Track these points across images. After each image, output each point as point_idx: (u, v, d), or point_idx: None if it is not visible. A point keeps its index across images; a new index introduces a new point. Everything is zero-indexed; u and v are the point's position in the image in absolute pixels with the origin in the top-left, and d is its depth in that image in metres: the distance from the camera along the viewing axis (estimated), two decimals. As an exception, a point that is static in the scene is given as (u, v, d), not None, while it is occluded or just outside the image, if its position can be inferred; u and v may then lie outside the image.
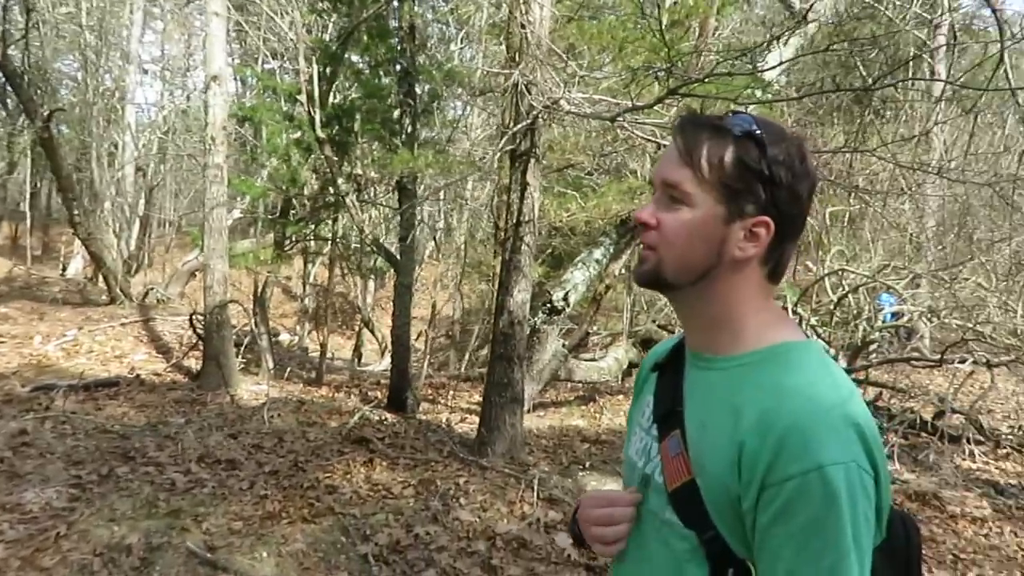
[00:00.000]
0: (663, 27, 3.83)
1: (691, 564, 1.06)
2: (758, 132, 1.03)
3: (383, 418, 6.84)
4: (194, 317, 8.99)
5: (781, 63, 4.57)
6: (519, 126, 5.17)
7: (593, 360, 9.13)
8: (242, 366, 8.28)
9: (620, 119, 4.60)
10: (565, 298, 7.23)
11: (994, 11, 4.05)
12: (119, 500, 4.21)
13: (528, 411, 7.07)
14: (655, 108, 4.70)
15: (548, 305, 7.24)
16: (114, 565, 3.53)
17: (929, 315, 8.84)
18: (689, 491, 1.05)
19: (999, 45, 4.15)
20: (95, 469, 4.67)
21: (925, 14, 9.02)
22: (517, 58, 5.14)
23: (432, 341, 13.96)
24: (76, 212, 11.18)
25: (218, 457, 5.15)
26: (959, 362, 7.53)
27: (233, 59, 19.06)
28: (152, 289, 13.39)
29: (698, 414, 1.09)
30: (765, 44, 3.28)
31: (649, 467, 1.15)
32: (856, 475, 0.94)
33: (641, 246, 1.12)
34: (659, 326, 10.10)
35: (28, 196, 19.93)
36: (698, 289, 1.09)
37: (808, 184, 1.05)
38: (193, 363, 8.59)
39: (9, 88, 10.56)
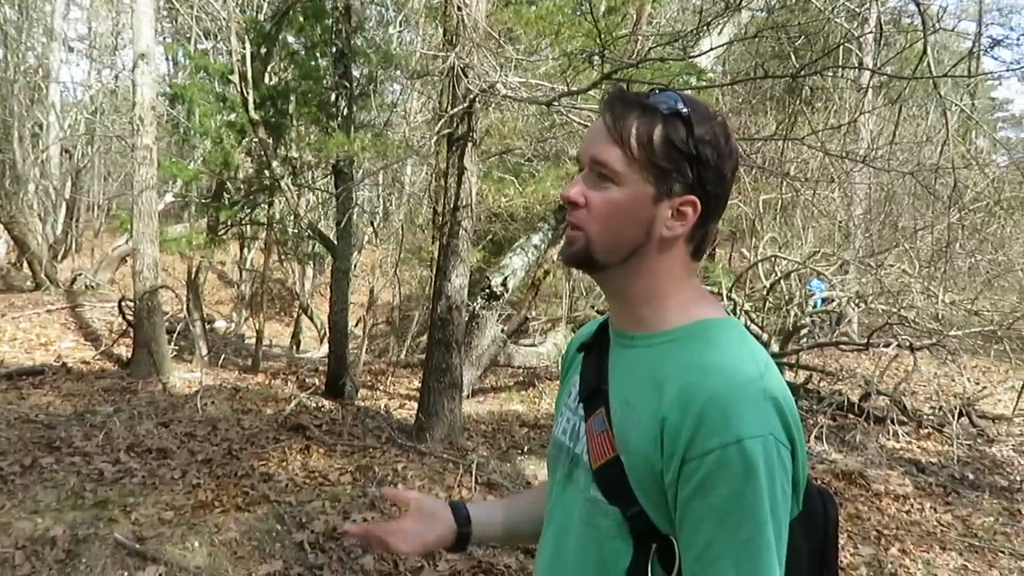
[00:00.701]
0: (598, 13, 3.86)
1: (616, 540, 1.06)
2: (685, 111, 1.02)
3: (320, 405, 6.77)
4: (123, 303, 8.74)
5: (712, 48, 4.65)
6: (456, 110, 5.15)
7: (533, 345, 9.18)
8: (175, 353, 8.09)
9: (556, 104, 4.62)
10: (504, 283, 7.24)
11: (917, 3, 4.18)
12: (43, 492, 4.08)
13: (467, 396, 7.08)
14: (591, 93, 4.73)
15: (487, 290, 7.24)
16: (37, 558, 3.42)
17: (857, 300, 9.12)
18: (613, 468, 1.05)
19: (925, 37, 4.29)
20: (17, 460, 4.51)
21: (854, 7, 9.25)
22: (454, 41, 5.11)
23: (372, 327, 13.84)
24: (-3, 195, 10.75)
25: (148, 446, 5.03)
26: (884, 346, 7.79)
27: (164, 38, 18.49)
28: (80, 275, 12.95)
29: (622, 391, 1.09)
30: (695, 30, 3.33)
31: (578, 447, 1.15)
32: (773, 448, 0.94)
33: (568, 226, 1.11)
34: (598, 312, 10.19)
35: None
36: (625, 268, 1.08)
37: (732, 164, 1.06)
38: (123, 351, 8.36)
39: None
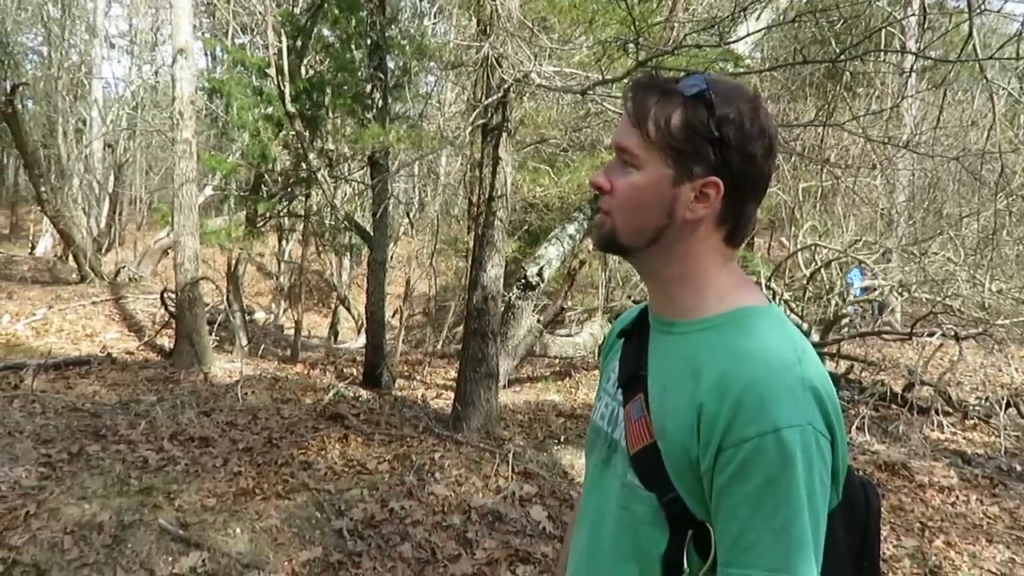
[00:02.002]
0: (632, 0, 3.82)
1: (651, 527, 1.07)
2: (707, 92, 1.02)
3: (358, 394, 6.83)
4: (165, 295, 8.90)
5: (748, 34, 4.57)
6: (490, 100, 5.14)
7: (569, 335, 9.16)
8: (216, 344, 8.23)
9: (590, 92, 4.58)
10: (539, 273, 7.23)
11: (962, -16, 4.07)
12: (90, 478, 4.18)
13: (504, 386, 7.09)
14: (625, 81, 4.69)
15: (523, 281, 7.24)
16: (85, 543, 3.51)
17: (900, 289, 8.95)
18: (650, 454, 1.06)
19: (970, 19, 4.17)
20: (65, 447, 4.63)
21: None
22: (487, 31, 5.10)
23: (409, 318, 13.93)
24: (43, 189, 11.00)
25: (191, 434, 5.12)
26: (928, 335, 7.64)
27: (203, 33, 18.73)
28: (124, 267, 13.24)
29: (660, 378, 1.09)
30: (731, 16, 3.28)
31: (616, 432, 1.16)
32: (812, 437, 0.95)
33: (598, 211, 1.14)
34: (634, 301, 10.13)
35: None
36: (653, 252, 1.09)
37: (762, 144, 1.04)
38: (166, 341, 8.52)
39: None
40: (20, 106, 11.52)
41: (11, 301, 9.86)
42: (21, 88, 12.12)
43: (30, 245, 17.24)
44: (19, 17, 14.23)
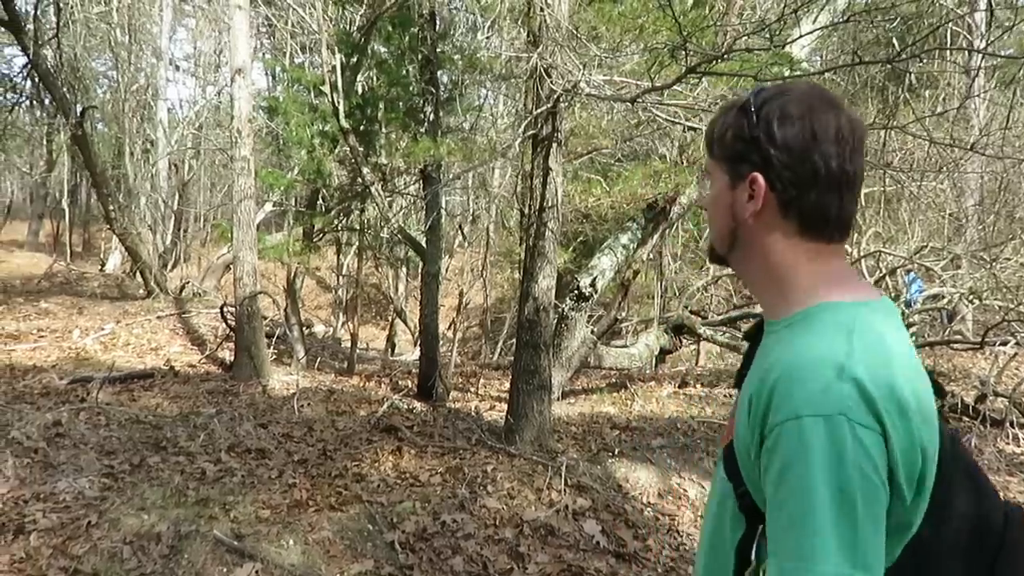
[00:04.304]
0: (684, 6, 3.76)
1: (733, 518, 1.12)
2: (749, 99, 1.11)
3: (412, 407, 6.86)
4: (225, 309, 9.09)
5: (801, 36, 4.46)
6: (540, 110, 5.12)
7: (624, 346, 9.06)
8: (274, 357, 8.37)
9: (641, 100, 4.53)
10: (592, 284, 7.17)
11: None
12: (150, 489, 4.26)
13: (557, 398, 7.04)
14: (677, 89, 4.62)
15: (576, 291, 7.19)
16: (143, 553, 3.58)
17: (970, 296, 8.63)
18: (730, 448, 1.12)
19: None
20: (127, 459, 4.74)
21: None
22: (537, 42, 5.09)
23: (465, 330, 13.98)
24: (111, 208, 11.38)
25: (248, 447, 5.20)
26: (1001, 344, 7.34)
27: (263, 54, 19.21)
28: (188, 283, 13.59)
29: (749, 377, 1.14)
30: (780, 18, 3.19)
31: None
32: (845, 428, 0.93)
33: None
34: (691, 312, 9.98)
35: (67, 193, 20.32)
36: (738, 256, 1.18)
37: (802, 130, 1.07)
38: (227, 354, 8.70)
39: (44, 87, 10.72)
40: (90, 128, 11.98)
41: (82, 316, 10.21)
42: (91, 111, 12.59)
43: (100, 262, 17.87)
44: (88, 43, 14.80)
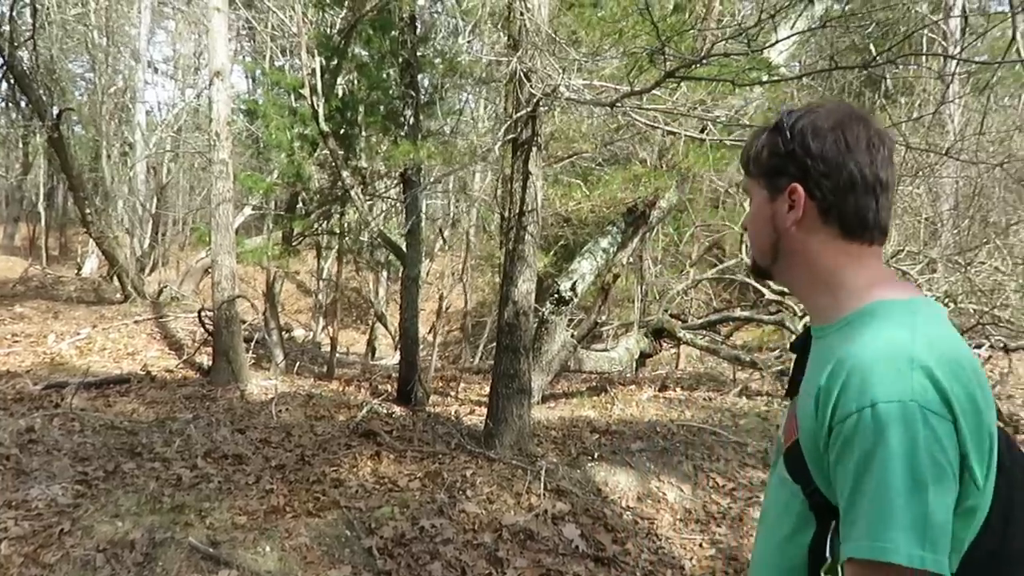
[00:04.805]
0: (664, 11, 3.77)
1: (800, 517, 1.14)
2: (782, 118, 1.19)
3: (391, 411, 6.83)
4: (203, 313, 9.02)
5: (778, 41, 4.50)
6: (519, 114, 5.12)
7: (604, 350, 9.07)
8: (253, 361, 8.31)
9: (620, 105, 4.54)
10: (573, 288, 7.18)
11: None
12: (124, 496, 4.21)
13: (537, 402, 7.03)
14: (657, 93, 4.64)
15: (556, 295, 7.19)
16: (116, 561, 3.53)
17: (946, 300, 8.72)
18: (796, 448, 1.15)
19: (1013, 19, 4.04)
20: (101, 465, 4.68)
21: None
22: (517, 46, 5.09)
23: (445, 334, 13.95)
24: (88, 211, 11.25)
25: (225, 452, 5.16)
26: (976, 347, 7.43)
27: (244, 57, 19.12)
28: (166, 287, 13.46)
29: (807, 379, 1.18)
30: (757, 24, 3.22)
31: (782, 435, 1.26)
32: (917, 414, 0.97)
33: None
34: (671, 315, 10.01)
35: (43, 197, 20.09)
36: (782, 266, 1.24)
37: (834, 139, 1.14)
38: (205, 359, 8.62)
39: (19, 88, 10.60)
40: (67, 131, 11.83)
41: (57, 320, 10.08)
42: (68, 113, 12.45)
43: (77, 266, 17.67)
44: (65, 45, 14.65)
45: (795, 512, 1.16)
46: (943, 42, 11.62)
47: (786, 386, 1.35)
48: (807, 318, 8.04)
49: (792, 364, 1.33)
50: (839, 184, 1.14)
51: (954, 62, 6.54)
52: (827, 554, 1.08)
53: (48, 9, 12.37)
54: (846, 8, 6.80)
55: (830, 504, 1.07)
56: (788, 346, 1.63)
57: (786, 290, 9.81)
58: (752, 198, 1.26)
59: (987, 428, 1.03)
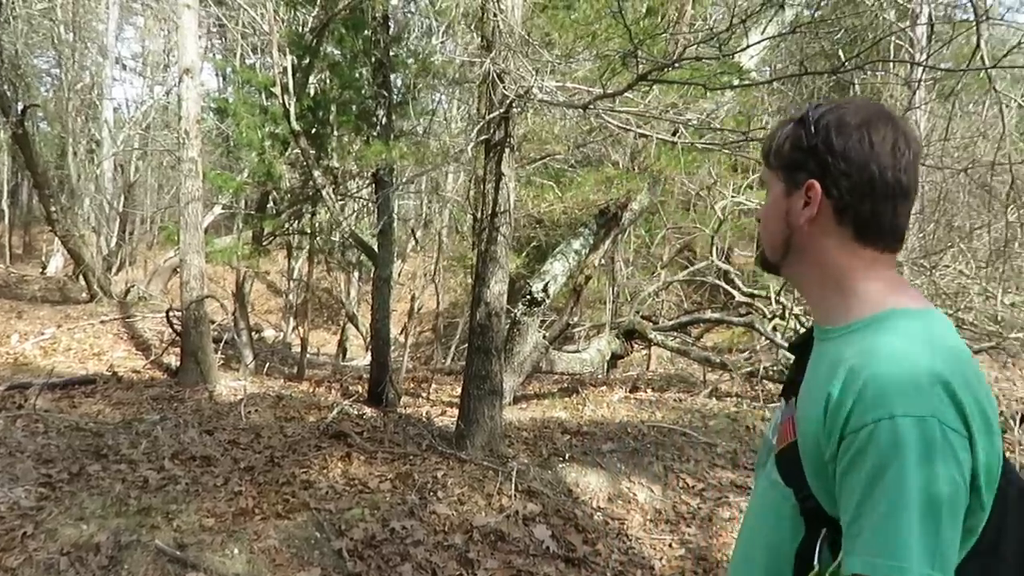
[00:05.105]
0: (637, 15, 3.80)
1: (789, 521, 1.12)
2: (808, 112, 1.15)
3: (362, 412, 6.80)
4: (171, 313, 8.91)
5: (749, 45, 4.56)
6: (492, 115, 5.12)
7: (576, 351, 9.10)
8: (222, 362, 8.22)
9: (592, 107, 4.56)
10: (545, 289, 7.19)
11: (966, -6, 4.03)
12: (89, 499, 4.14)
13: (509, 403, 7.03)
14: (629, 96, 4.66)
15: (528, 296, 7.20)
16: (81, 564, 3.47)
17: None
18: (791, 451, 1.12)
19: (977, 28, 4.12)
20: (66, 467, 4.60)
21: (902, 2, 9.02)
22: (490, 47, 5.09)
23: (417, 335, 13.90)
24: (53, 209, 11.06)
25: (193, 454, 5.09)
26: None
27: (214, 54, 18.91)
28: (133, 286, 13.27)
29: (809, 381, 1.15)
30: (728, 28, 3.25)
31: (773, 436, 1.24)
32: (936, 430, 0.94)
33: None
34: (642, 317, 10.07)
35: (7, 194, 19.72)
36: (791, 262, 1.21)
37: (859, 140, 1.10)
38: (173, 360, 8.51)
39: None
40: (32, 127, 11.64)
41: (21, 320, 9.90)
42: (33, 110, 12.24)
43: (41, 265, 17.36)
44: (31, 40, 14.39)
45: (785, 516, 1.13)
46: (910, 49, 11.81)
47: (783, 387, 1.28)
48: (777, 320, 8.09)
49: (791, 364, 1.31)
50: (858, 185, 1.11)
51: (920, 68, 6.66)
52: (815, 562, 1.06)
53: (13, 3, 12.15)
54: (816, 14, 6.90)
55: (823, 512, 1.06)
56: (788, 346, 1.57)
57: (759, 293, 9.93)
58: (769, 190, 1.22)
59: (998, 450, 1.01)
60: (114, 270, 15.05)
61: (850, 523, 0.98)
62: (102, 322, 10.07)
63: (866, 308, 1.10)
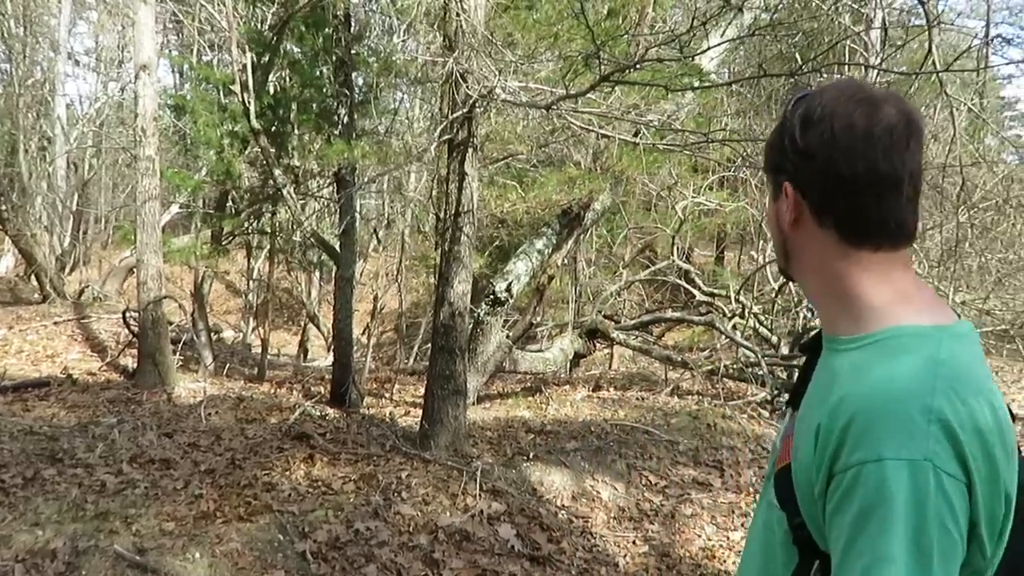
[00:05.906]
0: (599, 16, 3.83)
1: (782, 547, 1.06)
2: (791, 104, 1.08)
3: (325, 413, 6.74)
4: (127, 314, 8.74)
5: (709, 48, 4.62)
6: (455, 115, 5.13)
7: (539, 351, 9.13)
8: (181, 364, 8.09)
9: (555, 107, 4.58)
10: (508, 289, 7.21)
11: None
12: (44, 504, 4.06)
13: (473, 403, 7.04)
14: (591, 97, 4.70)
15: (491, 296, 7.21)
16: (37, 571, 3.40)
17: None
18: (786, 473, 1.04)
19: (929, 33, 4.23)
20: (19, 472, 4.49)
21: (857, 7, 9.21)
22: (453, 46, 5.09)
23: (380, 335, 13.82)
24: (3, 208, 10.80)
25: (151, 457, 5.01)
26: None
27: (170, 51, 18.59)
28: (88, 287, 13.00)
29: (809, 396, 1.07)
30: (689, 31, 3.29)
31: (779, 450, 1.15)
32: (929, 475, 0.86)
33: None
34: (604, 316, 10.14)
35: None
36: (794, 267, 1.13)
37: (821, 132, 1.00)
38: (129, 362, 8.35)
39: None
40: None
41: (-30, 322, 9.64)
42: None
43: (-9, 265, 16.91)
44: (-21, 34, 14.04)
45: (778, 540, 1.06)
46: (864, 53, 12.05)
47: (788, 396, 1.21)
48: (736, 319, 8.18)
49: (800, 367, 1.22)
50: (825, 183, 1.01)
51: (875, 72, 6.81)
52: None
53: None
54: (773, 17, 7.02)
55: (815, 543, 0.99)
56: (798, 347, 1.51)
57: (719, 292, 10.06)
58: (770, 194, 1.15)
59: (1004, 493, 0.91)
60: (68, 270, 14.73)
61: (837, 567, 0.91)
62: (55, 323, 9.84)
63: (871, 323, 1.00)
